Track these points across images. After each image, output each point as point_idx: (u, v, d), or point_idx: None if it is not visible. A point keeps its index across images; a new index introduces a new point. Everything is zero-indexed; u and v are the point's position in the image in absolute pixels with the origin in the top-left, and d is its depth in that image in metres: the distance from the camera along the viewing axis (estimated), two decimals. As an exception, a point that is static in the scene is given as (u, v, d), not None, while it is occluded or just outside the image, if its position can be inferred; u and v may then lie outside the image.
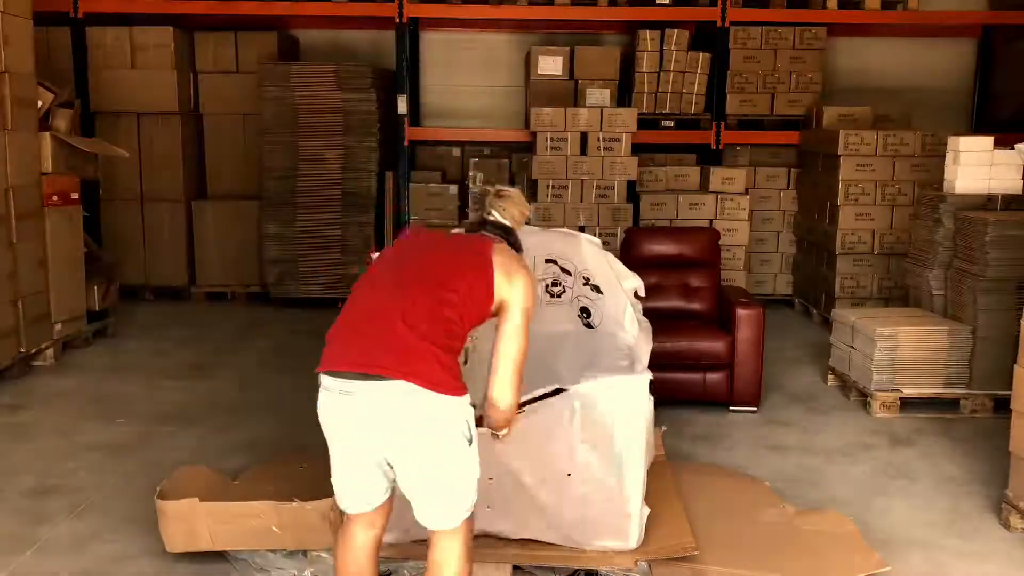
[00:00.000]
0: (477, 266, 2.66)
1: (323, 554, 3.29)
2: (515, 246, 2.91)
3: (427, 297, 2.56)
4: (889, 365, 5.18)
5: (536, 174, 7.23)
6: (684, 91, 7.89)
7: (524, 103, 8.38)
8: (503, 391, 2.66)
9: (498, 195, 2.98)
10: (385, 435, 2.51)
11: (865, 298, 7.12)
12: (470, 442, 2.56)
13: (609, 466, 3.16)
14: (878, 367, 5.18)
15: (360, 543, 2.72)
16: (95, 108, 7.83)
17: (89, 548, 3.48)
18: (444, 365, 2.49)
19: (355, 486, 2.65)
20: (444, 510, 2.59)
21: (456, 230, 3.01)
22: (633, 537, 3.21)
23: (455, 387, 2.51)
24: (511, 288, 2.65)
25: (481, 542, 3.23)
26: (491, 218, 2.94)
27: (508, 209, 2.95)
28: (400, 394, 2.45)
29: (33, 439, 4.64)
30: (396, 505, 3.16)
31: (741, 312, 5.09)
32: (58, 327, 6.08)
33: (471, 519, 2.66)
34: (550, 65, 7.81)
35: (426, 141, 8.45)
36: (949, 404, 5.22)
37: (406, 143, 7.89)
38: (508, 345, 2.65)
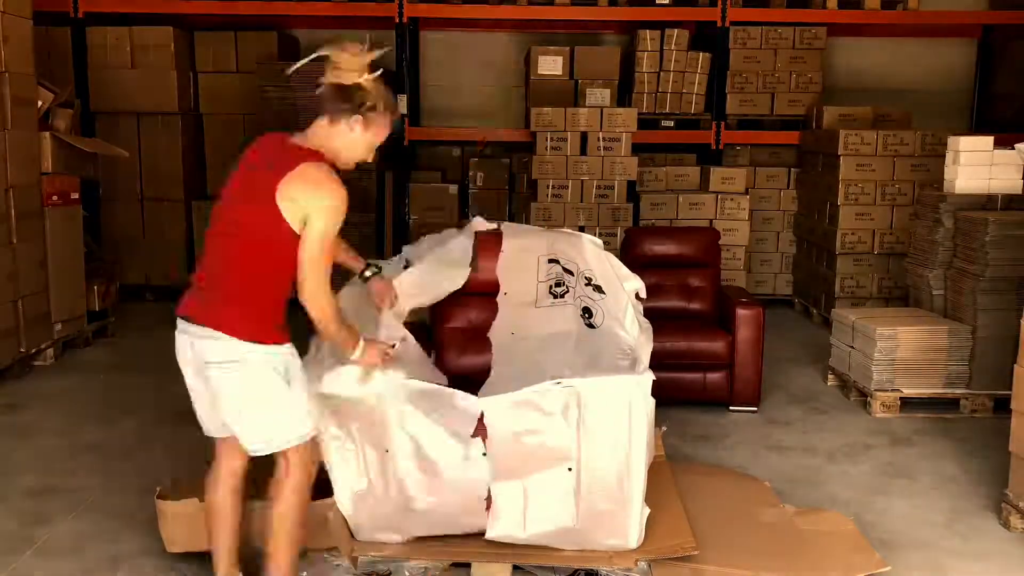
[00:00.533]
0: (261, 207, 2.66)
1: (324, 555, 3.29)
2: (359, 107, 2.74)
3: (225, 248, 2.79)
4: (889, 365, 5.18)
5: (536, 174, 7.24)
6: (684, 91, 7.89)
7: (524, 103, 8.38)
8: (312, 293, 2.72)
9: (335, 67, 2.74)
10: (200, 370, 2.81)
11: (865, 298, 7.12)
12: (289, 384, 2.79)
13: (609, 465, 3.16)
14: (878, 367, 5.18)
15: (224, 473, 3.00)
16: (95, 108, 7.83)
17: (89, 548, 3.48)
18: (249, 315, 2.74)
19: (200, 411, 2.95)
20: (260, 440, 2.83)
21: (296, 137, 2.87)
22: (633, 537, 3.21)
23: (261, 334, 2.74)
24: (308, 207, 2.65)
25: (481, 542, 3.24)
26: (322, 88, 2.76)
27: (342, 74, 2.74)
28: (206, 337, 2.74)
29: (33, 439, 4.64)
30: (392, 507, 3.18)
31: (741, 312, 5.09)
32: (58, 327, 6.08)
33: (306, 468, 2.89)
34: (550, 65, 7.81)
35: (426, 141, 8.45)
36: (949, 404, 5.22)
37: (406, 143, 7.89)
38: (309, 249, 2.67)
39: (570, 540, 3.23)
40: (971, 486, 4.18)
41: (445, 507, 3.18)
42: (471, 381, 3.72)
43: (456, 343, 4.06)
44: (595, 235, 7.06)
